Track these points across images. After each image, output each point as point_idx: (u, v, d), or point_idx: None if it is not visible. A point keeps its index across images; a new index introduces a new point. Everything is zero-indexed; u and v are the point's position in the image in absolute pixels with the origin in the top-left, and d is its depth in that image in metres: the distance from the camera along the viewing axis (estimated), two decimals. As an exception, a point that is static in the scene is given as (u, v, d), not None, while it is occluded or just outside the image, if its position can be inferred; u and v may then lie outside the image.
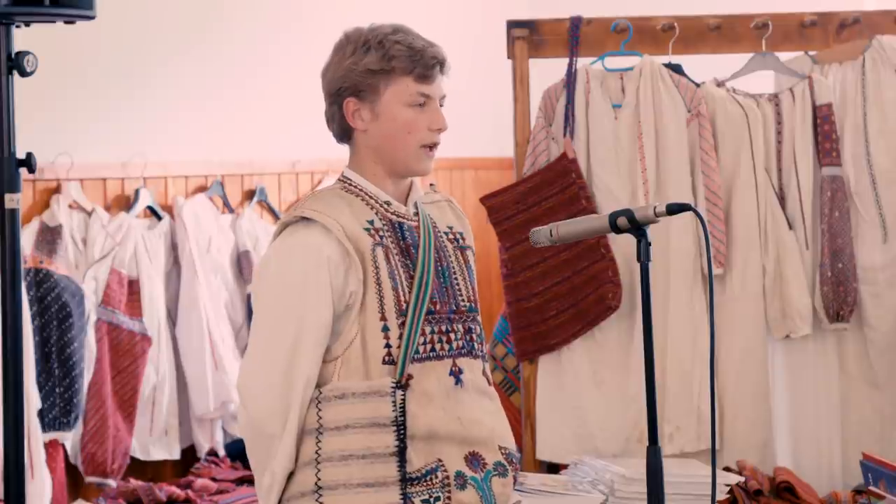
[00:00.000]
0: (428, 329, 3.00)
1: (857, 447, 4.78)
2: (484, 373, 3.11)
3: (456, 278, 3.09)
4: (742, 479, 4.49)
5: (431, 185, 3.28)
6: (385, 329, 2.96)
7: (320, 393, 2.95)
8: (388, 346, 2.95)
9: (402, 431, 2.93)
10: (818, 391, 4.98)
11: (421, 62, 3.00)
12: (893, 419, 4.97)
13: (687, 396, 4.86)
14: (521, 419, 5.04)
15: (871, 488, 4.17)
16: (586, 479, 4.22)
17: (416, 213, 3.09)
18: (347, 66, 3.00)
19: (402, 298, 2.97)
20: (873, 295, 4.92)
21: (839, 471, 4.96)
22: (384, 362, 2.95)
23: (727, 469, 4.68)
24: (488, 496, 3.01)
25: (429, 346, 3.00)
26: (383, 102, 3.01)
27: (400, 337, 2.96)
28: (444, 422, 2.98)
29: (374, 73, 2.99)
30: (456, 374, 3.03)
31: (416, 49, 3.00)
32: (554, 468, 4.92)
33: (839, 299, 4.86)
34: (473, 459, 3.01)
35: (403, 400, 2.93)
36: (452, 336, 3.04)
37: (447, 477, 2.96)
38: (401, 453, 2.93)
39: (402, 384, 2.94)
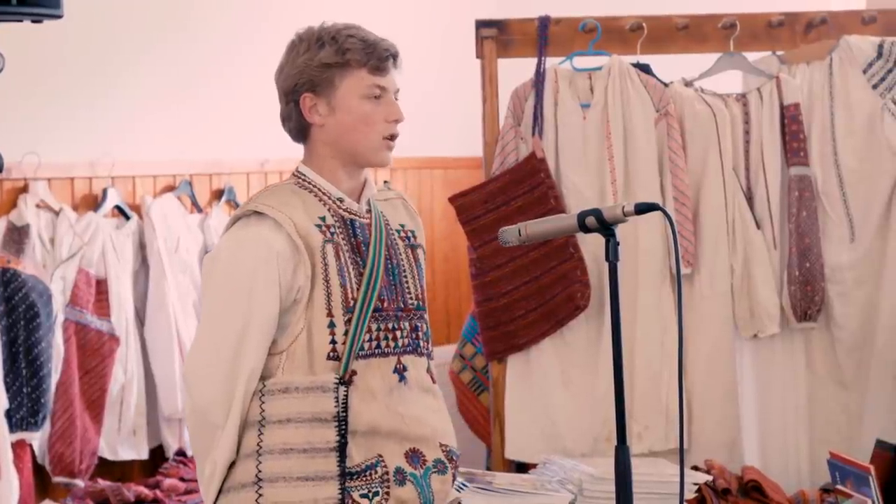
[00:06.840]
0: (374, 326, 3.03)
1: (824, 446, 4.80)
2: (429, 371, 3.15)
3: (405, 276, 3.12)
4: (710, 478, 4.50)
5: (386, 182, 3.30)
6: (331, 325, 2.98)
7: (264, 386, 2.98)
8: (333, 342, 2.98)
9: (343, 427, 2.96)
10: (786, 390, 5.00)
11: (375, 54, 3.04)
12: (860, 417, 4.99)
13: (655, 396, 4.88)
14: (490, 419, 5.05)
15: (839, 487, 4.19)
16: (555, 478, 4.22)
17: (369, 211, 3.12)
18: (302, 62, 3.04)
19: (350, 295, 3.00)
20: (840, 294, 4.94)
21: (807, 469, 4.98)
22: (329, 358, 2.97)
23: (695, 468, 4.69)
24: (426, 493, 3.04)
25: (374, 343, 3.03)
26: (339, 96, 3.04)
27: (346, 333, 2.98)
28: (385, 418, 3.00)
29: (329, 66, 3.03)
30: (400, 371, 3.06)
31: (369, 42, 3.04)
32: (522, 467, 4.92)
33: (807, 298, 4.88)
34: (414, 456, 3.04)
35: (346, 396, 2.96)
36: (398, 333, 3.07)
37: (387, 472, 2.99)
38: (341, 448, 2.95)
39: (346, 380, 2.96)
